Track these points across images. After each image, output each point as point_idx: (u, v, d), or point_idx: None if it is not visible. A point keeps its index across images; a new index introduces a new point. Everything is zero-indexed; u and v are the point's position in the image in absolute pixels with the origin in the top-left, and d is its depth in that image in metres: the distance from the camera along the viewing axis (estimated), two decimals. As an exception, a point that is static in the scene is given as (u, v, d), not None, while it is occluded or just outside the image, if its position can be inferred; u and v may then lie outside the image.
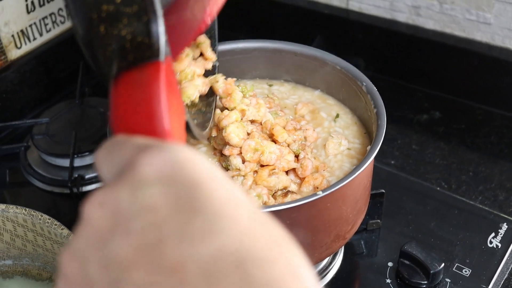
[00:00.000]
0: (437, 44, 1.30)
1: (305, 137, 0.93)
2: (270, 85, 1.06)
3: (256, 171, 0.87)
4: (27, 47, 1.30)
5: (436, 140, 1.24)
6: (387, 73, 1.39)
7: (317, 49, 1.01)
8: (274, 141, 0.90)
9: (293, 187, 0.87)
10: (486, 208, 1.07)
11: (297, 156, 0.90)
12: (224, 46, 1.03)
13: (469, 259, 0.99)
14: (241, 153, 0.87)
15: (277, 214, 0.76)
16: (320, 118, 0.98)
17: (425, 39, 1.31)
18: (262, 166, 0.87)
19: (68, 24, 1.37)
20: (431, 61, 1.33)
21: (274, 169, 0.87)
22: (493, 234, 1.02)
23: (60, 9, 1.34)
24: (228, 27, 1.59)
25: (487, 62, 1.26)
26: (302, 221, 0.80)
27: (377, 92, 0.92)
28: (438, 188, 1.12)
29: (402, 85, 1.38)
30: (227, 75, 1.06)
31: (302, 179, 0.87)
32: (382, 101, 0.90)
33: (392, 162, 1.19)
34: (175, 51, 0.75)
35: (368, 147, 0.86)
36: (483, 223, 1.05)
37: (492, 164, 1.17)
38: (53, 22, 1.33)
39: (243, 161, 0.87)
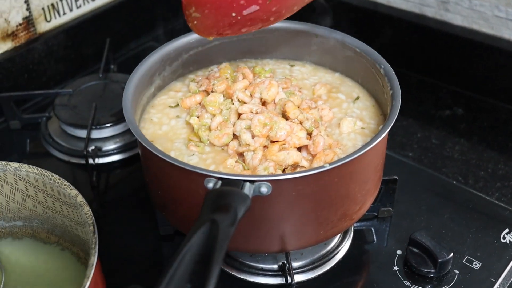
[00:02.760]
0: (464, 41, 1.28)
1: (320, 117, 0.93)
2: (292, 66, 1.06)
3: (266, 146, 0.87)
4: (56, 21, 1.32)
5: (457, 136, 1.22)
6: (412, 68, 1.37)
7: (337, 31, 1.01)
8: (287, 118, 0.90)
9: (304, 163, 0.86)
10: (502, 205, 1.05)
11: (310, 134, 0.89)
12: (245, 25, 1.04)
13: (480, 252, 0.97)
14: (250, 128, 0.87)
15: (283, 185, 0.77)
16: (338, 99, 0.98)
17: (452, 34, 1.29)
18: (272, 142, 0.87)
19: (98, 2, 1.39)
20: (457, 57, 1.31)
21: (285, 144, 0.87)
22: (507, 230, 1.00)
23: (91, -14, 1.36)
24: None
25: (514, 61, 1.24)
26: (308, 194, 0.79)
27: (394, 75, 0.91)
28: (454, 182, 1.10)
29: (427, 80, 1.37)
30: (249, 54, 1.06)
31: (314, 156, 0.87)
32: (398, 83, 0.90)
33: (410, 154, 1.17)
34: None
35: (381, 127, 0.85)
36: (498, 218, 1.03)
37: (513, 162, 1.15)
38: (84, -1, 1.35)
39: (253, 137, 0.87)
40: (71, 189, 0.87)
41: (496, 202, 1.06)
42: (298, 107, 0.92)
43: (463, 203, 1.06)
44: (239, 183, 0.74)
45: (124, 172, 1.16)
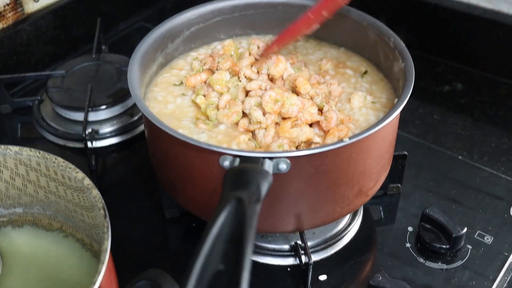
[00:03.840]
0: (462, 15, 1.27)
1: (329, 92, 0.91)
2: (295, 41, 1.03)
3: (278, 124, 0.85)
4: (44, 1, 1.27)
5: (458, 112, 1.21)
6: (409, 44, 1.35)
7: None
8: (297, 94, 0.87)
9: (317, 140, 0.84)
10: (509, 178, 1.04)
11: (320, 110, 0.87)
12: (248, 0, 1.01)
13: (491, 227, 0.96)
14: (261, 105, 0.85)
15: (302, 161, 0.74)
16: (346, 74, 0.96)
17: (450, 9, 1.28)
18: (284, 119, 0.85)
19: (86, -19, 1.35)
20: (455, 32, 1.30)
21: (297, 120, 0.84)
22: (516, 204, 1.00)
23: (79, -36, 1.31)
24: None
25: (513, 34, 1.23)
26: (326, 170, 0.77)
27: (405, 47, 0.90)
28: (460, 157, 1.09)
29: (424, 56, 1.35)
30: (251, 30, 1.04)
31: (326, 132, 0.84)
32: (410, 55, 0.88)
33: (413, 130, 1.16)
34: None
35: (396, 100, 0.83)
36: (506, 192, 1.02)
37: (516, 136, 1.15)
38: (72, -23, 1.31)
39: (264, 114, 0.85)
40: (76, 172, 0.83)
41: (503, 176, 1.05)
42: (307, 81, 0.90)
43: (470, 178, 1.05)
44: (259, 160, 0.72)
45: (122, 155, 1.12)
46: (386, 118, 0.78)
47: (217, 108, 0.88)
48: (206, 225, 0.60)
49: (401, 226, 0.97)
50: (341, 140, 0.75)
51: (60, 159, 0.85)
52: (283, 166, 0.74)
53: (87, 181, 0.82)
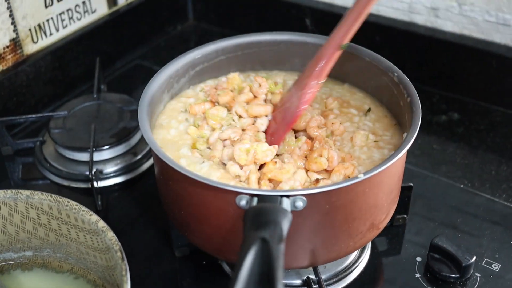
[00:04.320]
0: (456, 46, 1.30)
1: (332, 132, 0.92)
2: None
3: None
4: (43, 42, 1.28)
5: (456, 140, 1.23)
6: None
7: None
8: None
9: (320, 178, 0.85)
10: (511, 205, 1.06)
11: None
12: (250, 38, 1.03)
13: (497, 254, 0.97)
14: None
15: (318, 198, 0.75)
16: (350, 113, 0.97)
17: (443, 41, 1.31)
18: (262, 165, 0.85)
19: (84, 21, 1.36)
20: (449, 63, 1.32)
21: (276, 164, 0.85)
22: (520, 231, 1.02)
23: (77, 5, 1.32)
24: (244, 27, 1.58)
25: (506, 64, 1.25)
26: (341, 206, 0.78)
27: (409, 81, 0.92)
28: (461, 186, 1.11)
29: (419, 87, 1.36)
30: (259, 66, 1.05)
31: (330, 171, 0.85)
32: (415, 90, 0.90)
33: (413, 160, 1.18)
34: (280, 136, 0.89)
35: (405, 134, 0.85)
36: (510, 219, 1.04)
37: (514, 163, 1.17)
38: (70, 18, 1.31)
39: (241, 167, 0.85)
40: (90, 215, 0.83)
41: (505, 203, 1.07)
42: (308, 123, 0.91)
43: (473, 207, 1.06)
44: (277, 199, 0.73)
45: (127, 194, 1.12)
46: (398, 152, 0.79)
47: (207, 142, 0.89)
48: (235, 268, 0.61)
49: (409, 256, 0.98)
50: (355, 177, 0.76)
51: (72, 202, 0.85)
52: (300, 204, 0.74)
53: (102, 224, 0.82)
